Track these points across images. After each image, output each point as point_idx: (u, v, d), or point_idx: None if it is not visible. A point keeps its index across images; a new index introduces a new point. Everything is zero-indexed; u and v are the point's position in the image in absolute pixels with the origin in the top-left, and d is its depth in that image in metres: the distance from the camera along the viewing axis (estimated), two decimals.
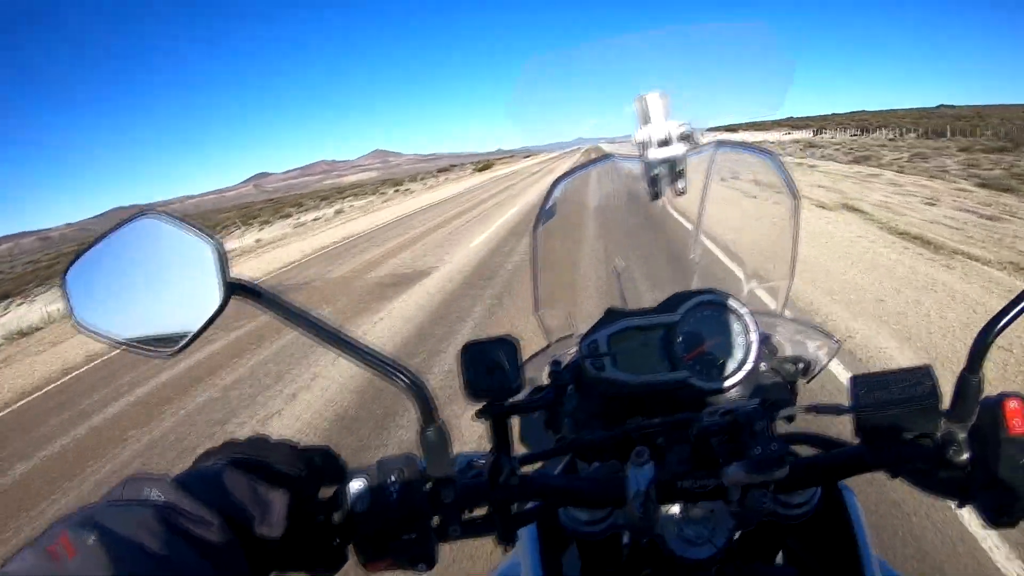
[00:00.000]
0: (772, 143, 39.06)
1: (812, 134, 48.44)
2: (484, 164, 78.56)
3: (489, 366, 0.73)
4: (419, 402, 0.68)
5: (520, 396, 0.94)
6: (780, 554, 0.94)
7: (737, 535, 0.84)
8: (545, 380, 1.01)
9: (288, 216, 37.23)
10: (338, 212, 32.97)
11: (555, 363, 1.02)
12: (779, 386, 0.94)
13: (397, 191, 42.90)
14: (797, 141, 42.34)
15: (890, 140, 31.23)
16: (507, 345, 0.73)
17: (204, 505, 0.53)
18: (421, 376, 0.68)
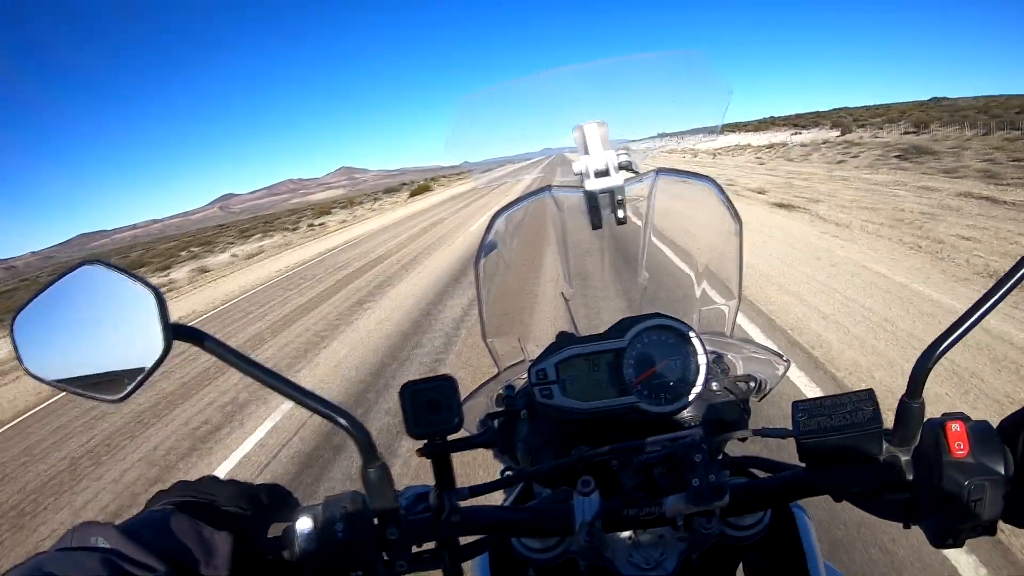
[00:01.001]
0: (789, 146, 35.74)
1: (839, 132, 40.55)
2: (420, 187, 67.20)
3: (429, 405, 0.74)
4: (359, 443, 0.69)
5: (474, 423, 0.95)
6: (741, 569, 0.95)
7: (694, 556, 0.86)
8: (498, 407, 1.02)
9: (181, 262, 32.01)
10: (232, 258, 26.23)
11: (508, 388, 1.04)
12: (732, 405, 0.95)
13: (312, 226, 37.36)
14: (826, 141, 34.02)
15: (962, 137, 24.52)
16: (446, 383, 0.75)
17: (148, 551, 0.55)
18: (361, 419, 0.70)
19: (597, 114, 0.89)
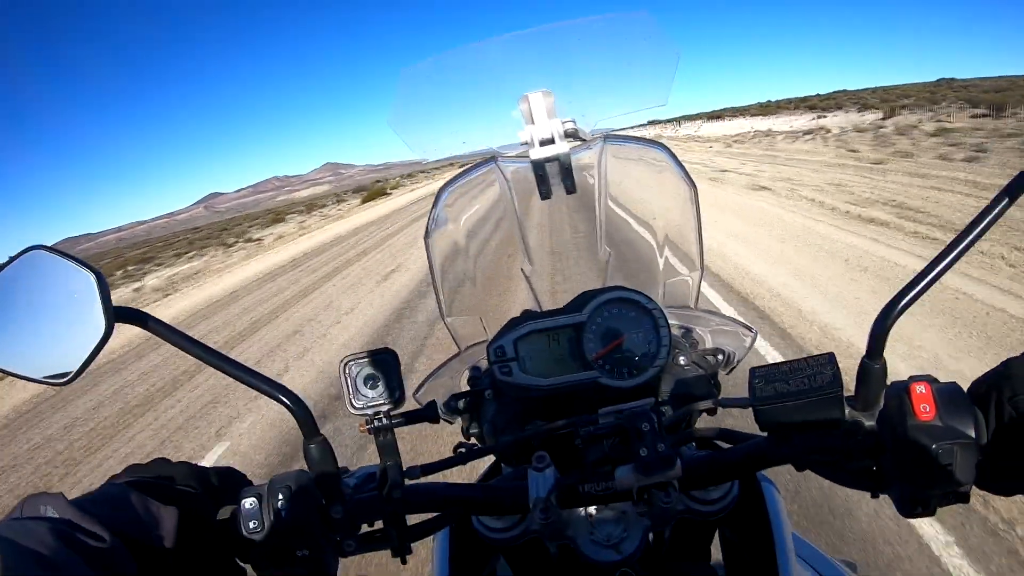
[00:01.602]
0: (837, 133, 27.37)
1: (881, 115, 31.96)
2: (374, 191, 56.78)
3: (368, 379, 0.74)
4: (299, 419, 0.69)
5: (440, 402, 0.95)
6: (717, 545, 0.95)
7: (667, 533, 0.86)
8: (464, 386, 1.02)
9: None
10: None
11: (475, 368, 1.03)
12: (701, 379, 0.93)
13: (251, 241, 31.65)
14: (880, 127, 26.43)
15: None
16: (387, 357, 0.75)
17: (96, 521, 0.56)
18: (299, 394, 0.70)
19: (543, 83, 0.87)
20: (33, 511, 0.55)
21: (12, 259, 0.68)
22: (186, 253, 35.95)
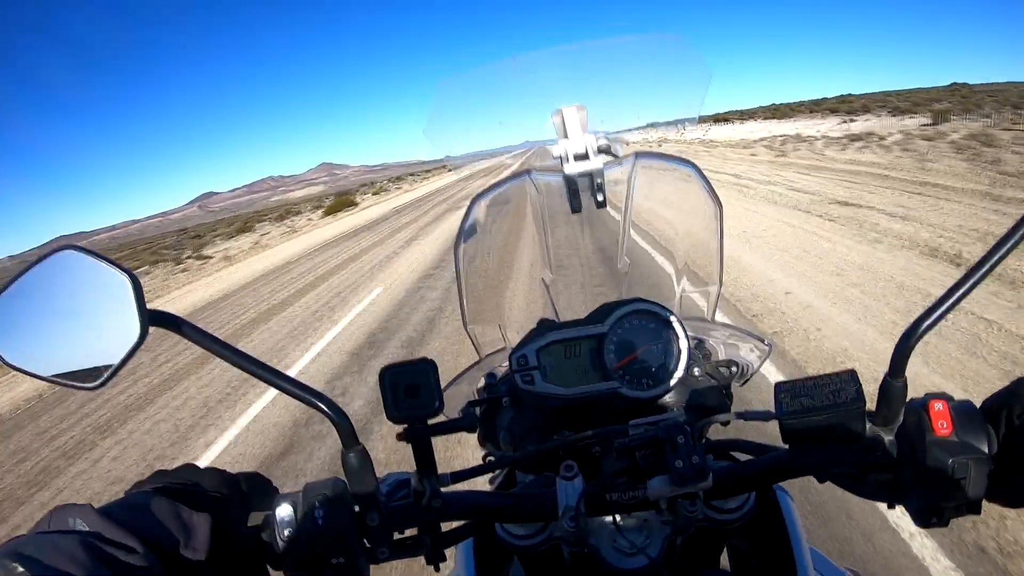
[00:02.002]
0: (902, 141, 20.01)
1: (927, 120, 27.34)
2: (338, 202, 47.40)
3: (408, 388, 0.73)
4: (339, 428, 0.70)
5: (456, 410, 0.95)
6: (726, 554, 0.96)
7: (679, 540, 0.87)
8: (481, 393, 1.03)
9: None
10: None
11: (490, 376, 1.05)
12: (714, 390, 0.95)
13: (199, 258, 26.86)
14: (937, 133, 20.71)
15: None
16: (426, 367, 0.75)
17: (128, 532, 0.55)
18: (340, 403, 0.70)
19: (576, 98, 0.89)
20: (61, 523, 0.54)
21: (42, 258, 0.67)
22: (136, 269, 33.45)
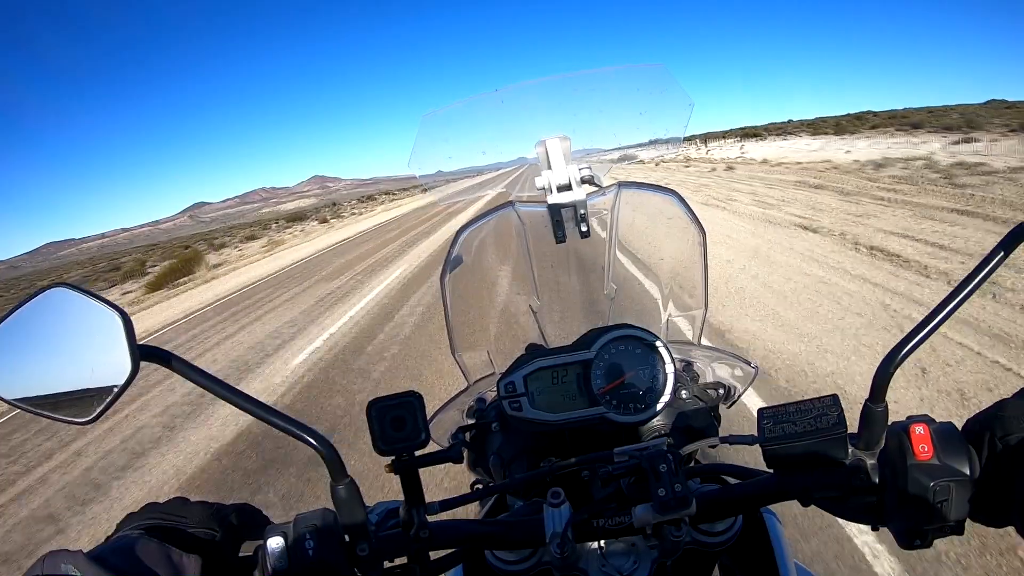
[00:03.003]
0: None
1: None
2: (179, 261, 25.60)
3: (395, 421, 0.75)
4: (327, 461, 0.71)
5: (445, 436, 0.96)
6: (717, 572, 0.97)
7: (668, 563, 0.88)
8: (470, 418, 1.04)
9: None
10: None
11: (480, 401, 1.06)
12: (702, 413, 0.97)
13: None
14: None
15: None
16: (412, 400, 0.76)
17: None
18: (328, 436, 0.71)
19: (559, 129, 0.91)
20: (53, 569, 0.55)
21: (33, 295, 0.68)
22: None
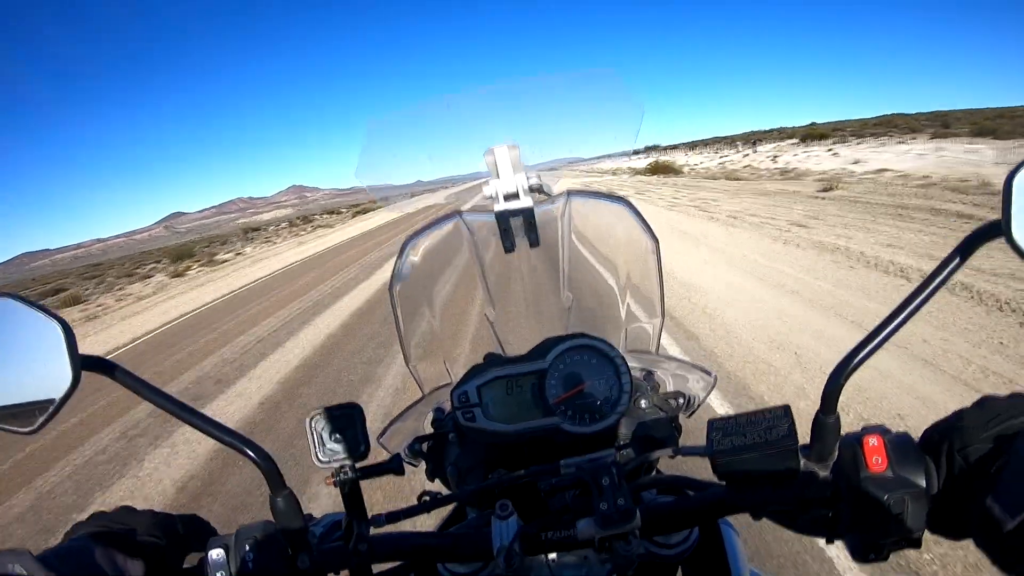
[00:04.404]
0: None
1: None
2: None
3: (336, 432, 0.75)
4: (265, 472, 0.72)
5: (401, 446, 0.96)
6: None
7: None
8: (428, 429, 1.04)
9: None
10: None
11: (438, 411, 1.06)
12: (662, 422, 0.96)
13: None
14: None
15: None
16: (352, 411, 0.77)
17: None
18: (266, 448, 0.72)
19: (509, 136, 0.91)
20: (1, 568, 0.56)
21: None
22: None
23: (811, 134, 57.57)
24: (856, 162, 24.14)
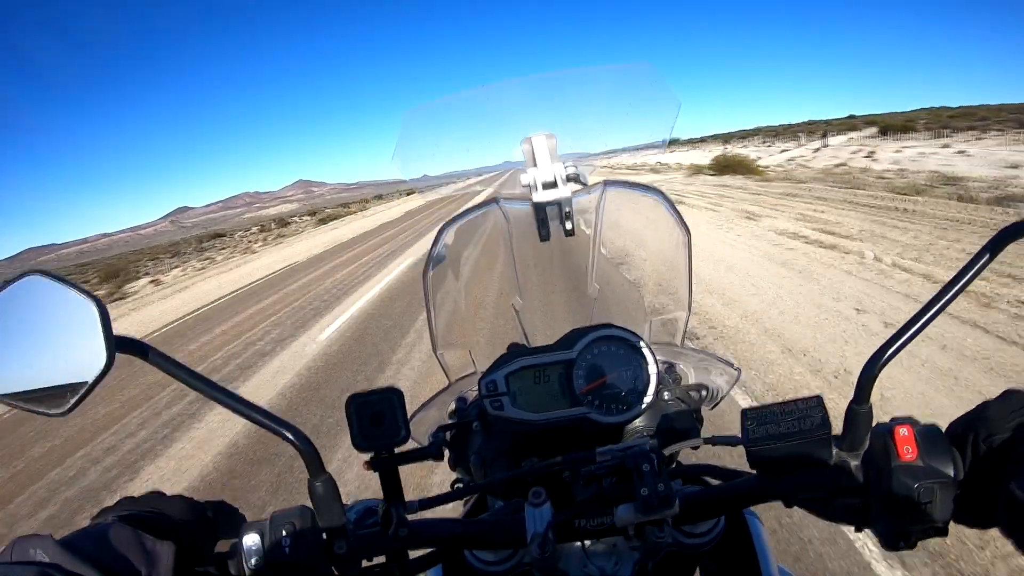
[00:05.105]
0: None
1: None
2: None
3: (374, 417, 0.75)
4: (305, 456, 0.71)
5: (426, 434, 0.95)
6: (698, 574, 0.98)
7: (650, 565, 0.88)
8: (451, 417, 1.05)
9: None
10: None
11: (461, 400, 1.07)
12: (684, 415, 0.97)
13: None
14: None
15: None
16: (392, 396, 0.77)
17: (87, 564, 0.55)
18: (305, 431, 0.71)
19: (545, 126, 0.92)
20: (22, 555, 0.54)
21: (8, 283, 0.67)
22: None
23: (891, 125, 50.92)
24: (1015, 166, 17.80)
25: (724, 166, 29.16)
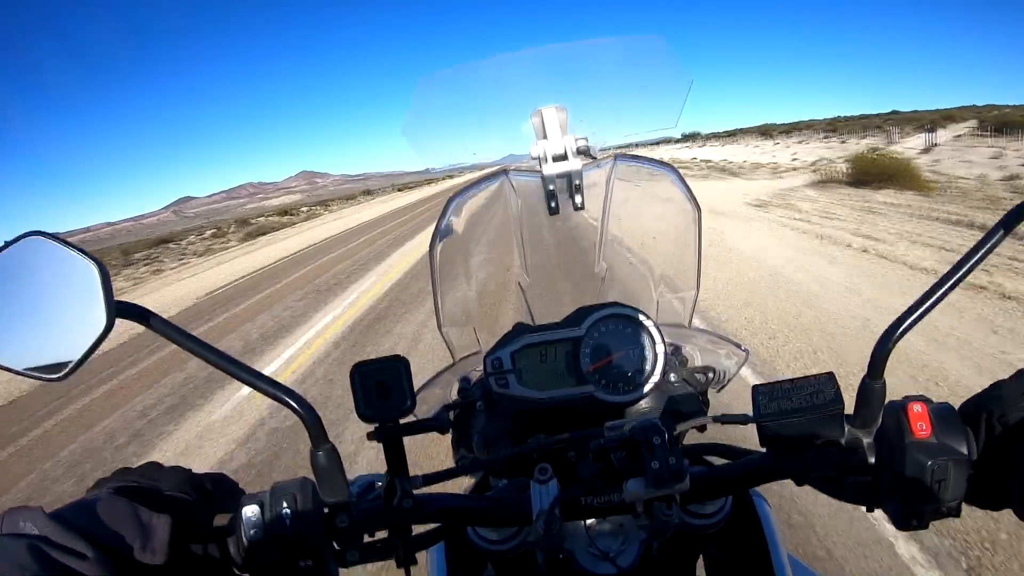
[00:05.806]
0: None
1: None
2: None
3: (380, 387, 0.73)
4: (308, 426, 0.69)
5: (429, 413, 0.94)
6: (702, 560, 0.97)
7: (655, 547, 0.87)
8: (454, 396, 1.04)
9: None
10: None
11: (465, 379, 1.06)
12: (690, 396, 0.97)
13: None
14: None
15: None
16: (398, 365, 0.75)
17: (79, 537, 0.54)
18: (309, 400, 0.70)
19: (556, 98, 0.91)
20: (12, 527, 0.53)
21: (8, 244, 0.66)
22: None
23: (1001, 120, 39.80)
24: None
25: (863, 173, 17.06)
